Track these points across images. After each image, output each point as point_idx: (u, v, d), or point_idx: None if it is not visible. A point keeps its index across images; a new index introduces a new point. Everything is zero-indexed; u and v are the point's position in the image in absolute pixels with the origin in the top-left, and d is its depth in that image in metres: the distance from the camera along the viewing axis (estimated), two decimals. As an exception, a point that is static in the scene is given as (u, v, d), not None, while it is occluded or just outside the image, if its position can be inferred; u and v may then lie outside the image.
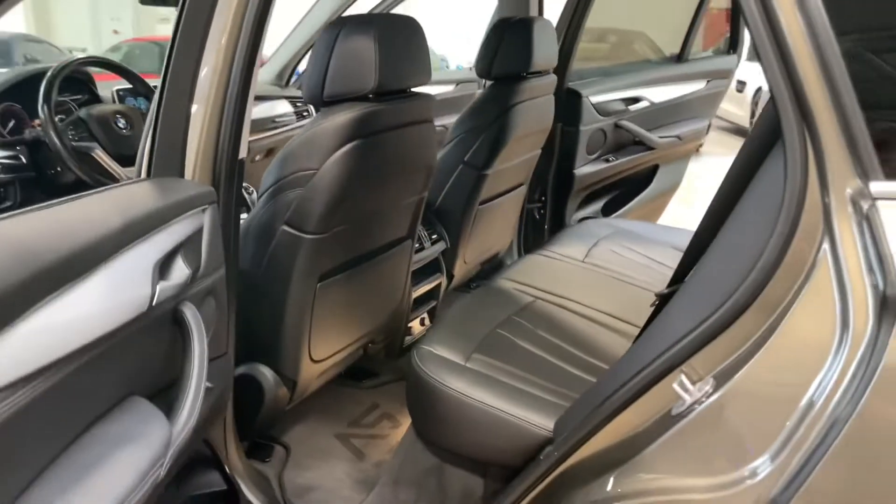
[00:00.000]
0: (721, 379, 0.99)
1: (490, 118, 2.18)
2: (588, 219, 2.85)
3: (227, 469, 1.34)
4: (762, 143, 1.11)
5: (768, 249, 0.91)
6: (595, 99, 2.85)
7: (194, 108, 1.27)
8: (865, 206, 0.85)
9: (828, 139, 0.84)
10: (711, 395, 1.00)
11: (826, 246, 0.88)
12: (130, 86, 2.29)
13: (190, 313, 1.02)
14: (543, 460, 1.21)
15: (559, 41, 2.72)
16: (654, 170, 3.14)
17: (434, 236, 2.27)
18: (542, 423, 1.34)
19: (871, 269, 0.85)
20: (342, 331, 1.78)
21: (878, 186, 0.85)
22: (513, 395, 1.41)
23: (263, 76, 3.05)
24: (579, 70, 2.97)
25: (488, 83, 2.30)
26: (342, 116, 1.49)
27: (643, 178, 3.14)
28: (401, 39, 1.57)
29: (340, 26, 1.49)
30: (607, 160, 2.94)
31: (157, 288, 0.90)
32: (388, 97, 1.59)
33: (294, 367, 1.65)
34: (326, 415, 1.93)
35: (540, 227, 2.93)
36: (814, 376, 0.89)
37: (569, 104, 2.77)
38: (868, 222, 0.86)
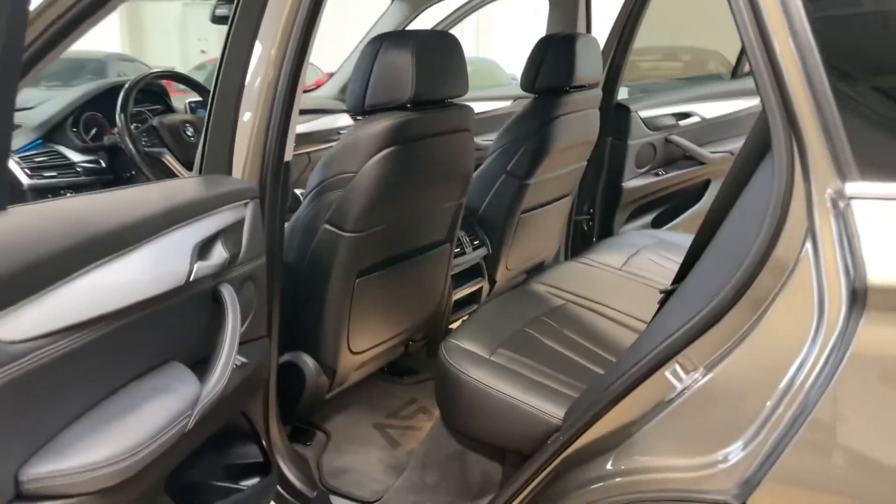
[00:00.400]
0: (710, 369, 1.06)
1: (532, 130, 2.27)
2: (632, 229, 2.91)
3: (264, 444, 1.46)
4: (755, 152, 1.18)
5: (755, 248, 0.98)
6: (645, 114, 2.91)
7: (247, 114, 1.41)
8: (842, 205, 0.92)
9: (812, 145, 0.90)
10: (698, 383, 1.07)
11: (808, 244, 0.94)
12: (201, 98, 2.48)
13: (227, 293, 1.15)
14: (550, 445, 1.29)
15: (608, 58, 2.79)
16: (706, 185, 3.16)
17: (476, 242, 2.37)
18: (554, 412, 1.42)
19: (845, 264, 0.91)
20: (380, 325, 1.89)
21: (853, 187, 0.91)
22: (530, 387, 1.49)
23: (328, 90, 3.22)
24: (640, 84, 3.04)
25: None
26: (380, 124, 1.62)
27: (695, 193, 3.16)
28: (437, 54, 1.69)
29: (381, 41, 1.62)
30: (657, 174, 2.98)
31: (195, 266, 1.04)
32: (425, 107, 1.71)
33: (333, 356, 1.78)
34: (367, 406, 2.05)
35: (588, 239, 2.99)
36: (790, 366, 0.95)
37: (618, 118, 2.84)
38: (843, 220, 0.92)
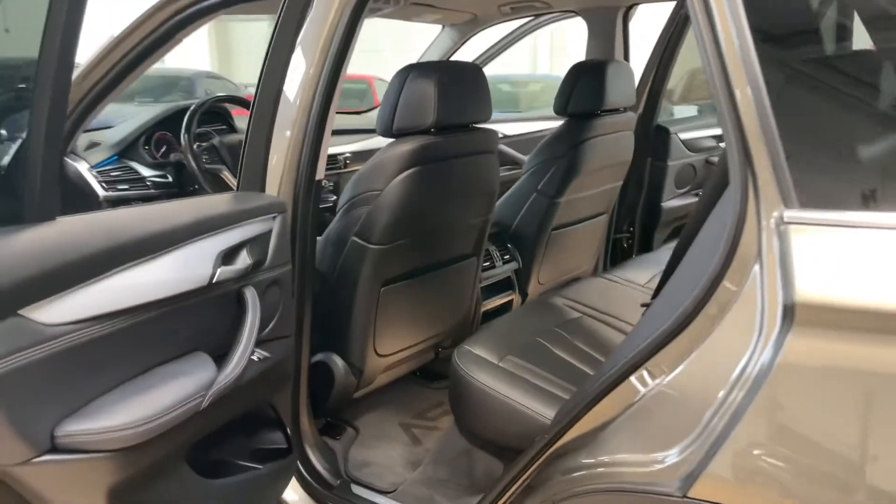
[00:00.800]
0: (667, 376, 1.17)
1: (563, 151, 2.39)
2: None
3: (288, 432, 1.63)
4: (721, 184, 1.29)
5: (713, 266, 1.10)
6: (685, 136, 2.98)
7: (283, 136, 1.60)
8: (782, 229, 1.03)
9: (762, 177, 1.02)
10: (656, 388, 1.18)
11: (756, 265, 1.05)
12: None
13: (250, 294, 1.32)
14: (537, 442, 1.41)
15: (649, 82, 2.89)
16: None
17: (506, 256, 2.50)
18: (549, 414, 1.54)
19: (782, 283, 1.02)
20: (405, 331, 2.05)
21: (791, 213, 1.02)
22: (530, 391, 1.61)
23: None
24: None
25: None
26: (405, 146, 1.78)
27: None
28: (460, 83, 1.84)
29: (409, 71, 1.78)
30: (697, 194, 3.05)
31: (218, 270, 1.21)
32: (449, 131, 1.86)
33: (361, 358, 1.94)
34: (396, 406, 2.20)
35: (628, 256, 3.08)
36: (730, 375, 1.06)
37: (658, 140, 2.92)
38: (782, 243, 1.03)
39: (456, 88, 1.83)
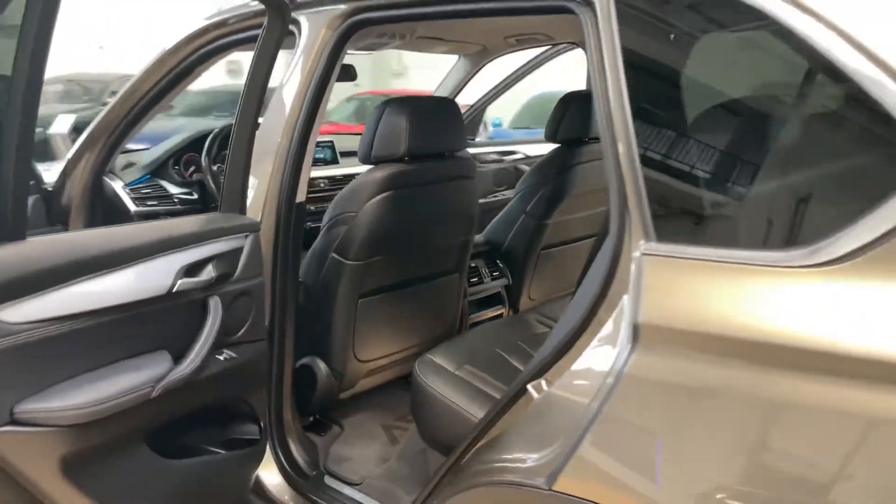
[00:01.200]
0: (550, 386, 1.34)
1: (550, 176, 2.55)
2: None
3: (261, 425, 1.84)
4: None
5: (593, 292, 1.27)
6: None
7: (268, 161, 1.82)
8: (640, 259, 1.19)
9: (633, 214, 1.19)
10: (541, 397, 1.34)
11: (624, 290, 1.22)
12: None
13: (213, 303, 1.55)
14: (462, 442, 1.58)
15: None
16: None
17: (495, 273, 2.68)
18: None
19: (633, 305, 1.18)
20: (386, 339, 2.25)
21: (647, 246, 1.18)
22: (475, 397, 1.78)
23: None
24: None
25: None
26: (379, 173, 1.99)
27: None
28: (431, 116, 2.04)
29: (385, 106, 1.99)
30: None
31: (179, 282, 1.44)
32: (423, 159, 2.06)
33: (342, 362, 2.15)
34: (381, 409, 2.40)
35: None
36: (594, 387, 1.22)
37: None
38: (639, 271, 1.19)
39: (427, 121, 2.02)
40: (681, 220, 1.25)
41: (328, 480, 2.01)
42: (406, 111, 1.96)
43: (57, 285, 1.23)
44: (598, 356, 1.25)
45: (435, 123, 2.05)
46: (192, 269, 1.51)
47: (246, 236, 1.69)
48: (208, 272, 1.54)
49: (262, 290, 1.76)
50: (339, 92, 14.71)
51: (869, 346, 0.95)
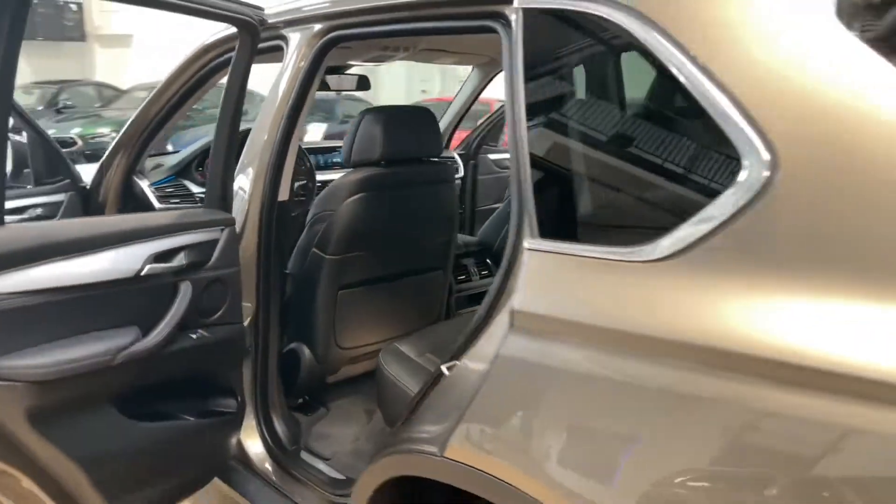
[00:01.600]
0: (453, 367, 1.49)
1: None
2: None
3: (238, 399, 2.05)
4: None
5: (494, 283, 1.42)
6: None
7: (253, 163, 2.04)
8: (525, 254, 1.34)
9: (528, 215, 1.34)
10: (446, 376, 1.50)
11: (515, 280, 1.37)
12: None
13: (183, 287, 1.76)
14: (400, 419, 1.74)
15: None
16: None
17: (484, 272, 2.83)
18: None
19: (512, 294, 1.34)
20: (367, 329, 2.43)
21: (530, 242, 1.33)
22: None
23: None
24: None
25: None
26: (356, 175, 2.18)
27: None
28: (407, 124, 2.22)
29: (364, 114, 2.18)
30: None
31: (147, 266, 1.66)
32: (399, 164, 2.23)
33: (324, 349, 2.34)
34: (366, 395, 2.58)
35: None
36: (481, 366, 1.37)
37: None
38: (522, 264, 1.34)
39: (402, 128, 2.20)
40: (559, 219, 1.39)
41: (304, 455, 2.20)
42: (382, 119, 2.15)
43: (28, 264, 1.46)
44: (490, 340, 1.40)
45: (410, 131, 2.23)
46: (163, 256, 1.73)
47: (222, 230, 1.90)
48: (179, 259, 1.76)
49: (237, 278, 1.96)
50: (411, 98, 15.07)
51: (683, 333, 1.08)
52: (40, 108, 12.66)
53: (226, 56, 2.46)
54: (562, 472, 1.22)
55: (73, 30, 16.16)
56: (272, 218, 2.08)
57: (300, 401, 2.48)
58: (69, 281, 1.52)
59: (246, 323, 2.04)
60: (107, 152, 2.80)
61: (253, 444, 2.18)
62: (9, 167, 2.82)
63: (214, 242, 1.88)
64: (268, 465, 2.17)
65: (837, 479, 0.97)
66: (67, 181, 2.72)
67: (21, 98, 11.05)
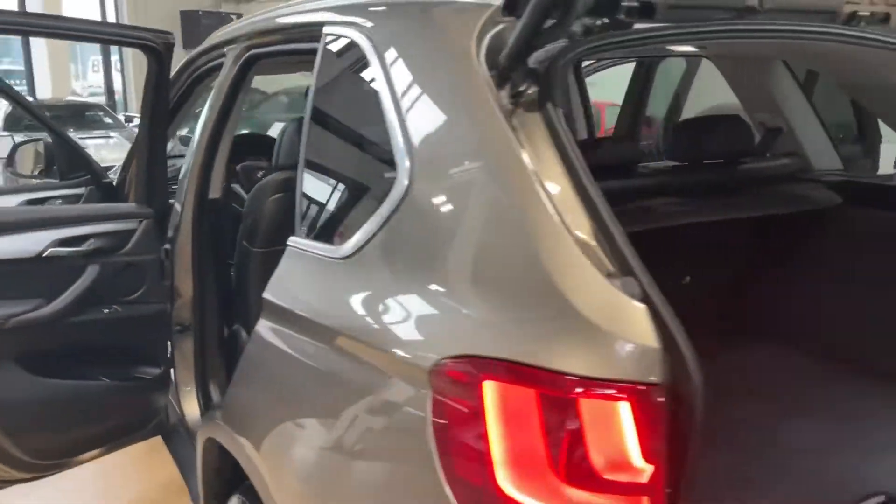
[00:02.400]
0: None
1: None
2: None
3: (162, 367, 2.36)
4: None
5: None
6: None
7: (187, 163, 2.35)
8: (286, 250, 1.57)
9: (297, 217, 1.58)
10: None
11: None
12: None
13: (90, 268, 2.09)
14: None
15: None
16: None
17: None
18: None
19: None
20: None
21: (292, 239, 1.56)
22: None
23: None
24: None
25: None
26: (280, 176, 2.43)
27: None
28: None
29: (289, 124, 2.44)
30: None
31: (49, 249, 2.00)
32: None
33: (259, 331, 2.62)
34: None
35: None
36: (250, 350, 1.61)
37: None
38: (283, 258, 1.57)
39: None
40: (307, 220, 1.59)
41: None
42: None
43: None
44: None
45: None
46: (71, 242, 2.07)
47: (140, 222, 2.22)
48: (88, 245, 2.10)
49: (156, 265, 2.28)
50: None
51: (350, 320, 1.28)
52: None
53: (209, 65, 2.80)
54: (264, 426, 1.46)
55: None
56: (202, 214, 2.38)
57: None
58: None
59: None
60: (127, 154, 3.23)
61: (189, 406, 2.49)
62: (42, 164, 3.33)
63: (131, 232, 2.20)
64: (199, 425, 2.48)
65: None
66: (88, 176, 3.17)
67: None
